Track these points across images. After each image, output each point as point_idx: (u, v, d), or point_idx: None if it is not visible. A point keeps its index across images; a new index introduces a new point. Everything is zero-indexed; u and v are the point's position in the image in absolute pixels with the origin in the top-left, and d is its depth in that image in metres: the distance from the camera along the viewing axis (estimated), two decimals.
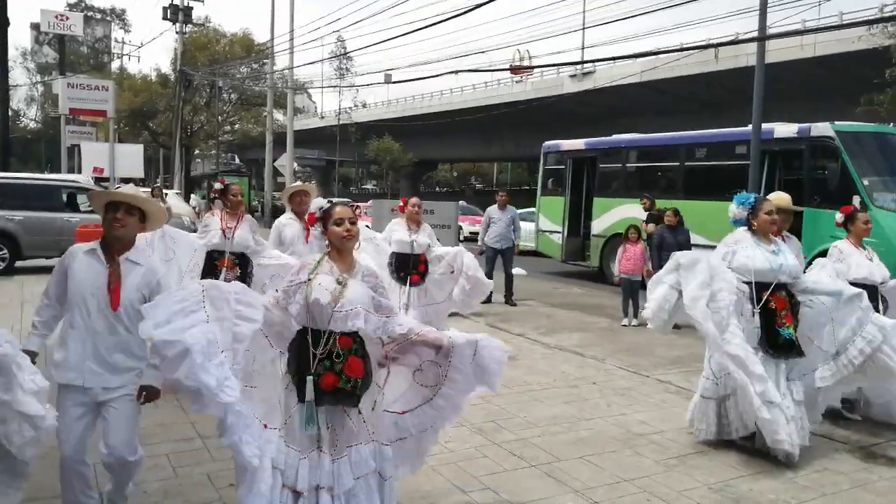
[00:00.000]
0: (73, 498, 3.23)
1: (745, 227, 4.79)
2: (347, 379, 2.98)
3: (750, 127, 11.42)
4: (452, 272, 7.26)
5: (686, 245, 9.49)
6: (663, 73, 27.91)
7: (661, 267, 9.18)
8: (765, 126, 11.40)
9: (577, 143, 15.63)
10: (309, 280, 3.05)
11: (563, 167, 15.62)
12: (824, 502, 3.94)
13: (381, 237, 7.35)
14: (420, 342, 3.21)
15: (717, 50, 24.77)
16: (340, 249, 3.18)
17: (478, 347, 3.24)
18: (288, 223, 6.43)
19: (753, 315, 4.57)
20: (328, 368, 2.97)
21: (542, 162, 16.40)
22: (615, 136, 15.11)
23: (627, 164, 14.55)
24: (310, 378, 2.95)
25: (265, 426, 2.98)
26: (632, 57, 23.91)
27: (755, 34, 12.35)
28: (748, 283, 4.61)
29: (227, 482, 3.85)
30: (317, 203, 3.29)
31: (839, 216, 5.73)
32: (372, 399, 3.18)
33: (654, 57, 26.36)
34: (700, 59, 26.85)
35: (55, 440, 3.11)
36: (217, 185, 6.24)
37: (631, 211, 12.96)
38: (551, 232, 15.64)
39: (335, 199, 3.65)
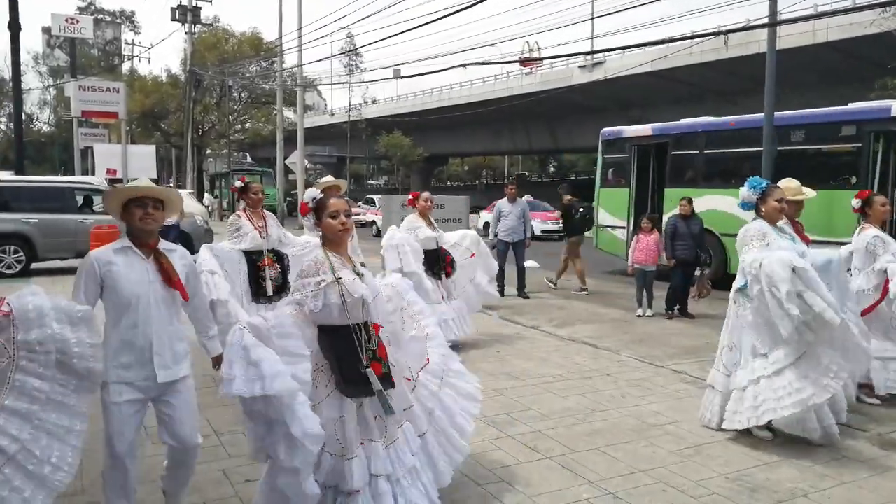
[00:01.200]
0: (117, 499, 3.16)
1: (754, 214, 4.77)
2: (384, 362, 3.08)
3: (859, 104, 10.71)
4: (473, 255, 7.52)
5: (699, 235, 9.44)
6: (674, 61, 27.73)
7: (674, 257, 9.23)
8: (881, 103, 10.52)
9: (644, 129, 14.17)
10: (339, 279, 3.03)
11: (625, 156, 14.05)
12: (844, 490, 3.90)
13: (400, 237, 7.10)
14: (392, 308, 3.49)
15: (728, 37, 24.53)
16: (337, 242, 3.19)
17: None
18: None
19: None
20: (373, 358, 3.02)
21: (600, 151, 15.04)
22: (689, 120, 13.57)
23: (706, 151, 12.86)
24: (370, 371, 2.98)
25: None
26: (642, 46, 23.74)
27: (766, 20, 12.22)
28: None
29: (242, 478, 3.87)
30: (310, 193, 3.28)
31: (855, 201, 5.67)
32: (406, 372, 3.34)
33: (664, 46, 26.20)
34: (711, 46, 26.63)
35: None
36: (237, 184, 6.26)
37: (715, 202, 11.78)
38: (613, 227, 14.07)
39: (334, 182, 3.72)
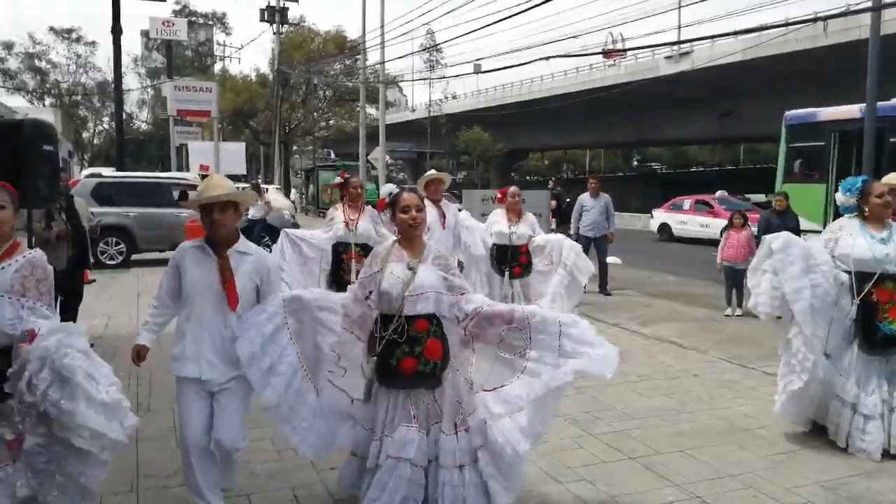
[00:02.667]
0: (197, 483, 3.27)
1: (856, 215, 4.48)
2: (427, 361, 3.13)
3: None
4: (551, 263, 7.07)
5: (795, 232, 8.96)
6: (767, 49, 26.45)
7: None
8: None
9: (846, 111, 11.77)
10: (381, 269, 3.20)
11: (820, 144, 11.93)
12: None
13: (474, 224, 7.20)
14: (493, 314, 3.25)
15: (826, 23, 23.23)
16: (408, 236, 3.31)
17: (562, 325, 3.12)
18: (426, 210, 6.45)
19: (852, 306, 4.30)
20: (407, 353, 3.11)
21: (783, 138, 12.97)
22: None
23: None
24: (373, 359, 3.18)
25: (352, 400, 3.34)
26: (733, 34, 22.76)
27: (869, 4, 11.50)
28: (849, 273, 4.33)
29: (327, 465, 3.96)
30: (387, 189, 3.45)
31: None
32: (467, 380, 3.27)
33: (757, 34, 25.08)
34: (807, 33, 25.25)
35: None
36: (337, 179, 6.45)
37: None
38: (804, 231, 11.69)
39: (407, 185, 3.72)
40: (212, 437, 3.26)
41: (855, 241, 4.35)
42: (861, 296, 4.28)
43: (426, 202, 6.42)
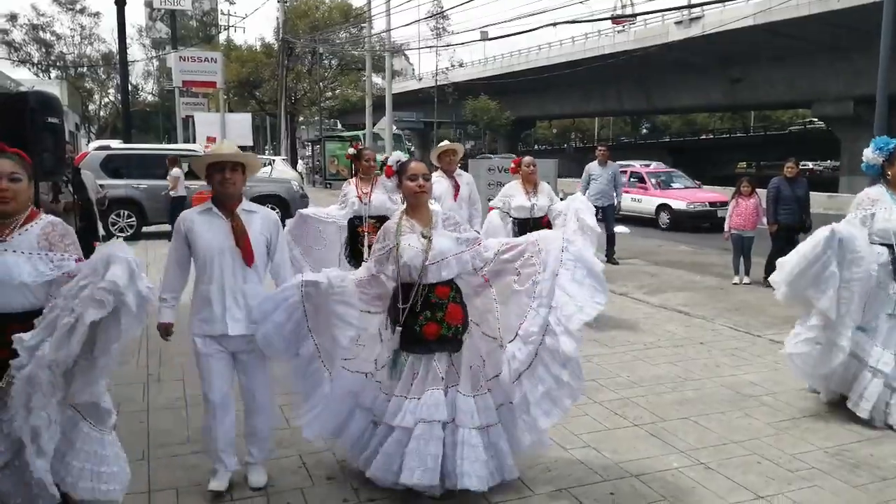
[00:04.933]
0: (216, 448, 3.38)
1: (880, 178, 4.42)
2: (449, 326, 3.26)
3: None
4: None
5: (805, 199, 8.92)
6: (778, 14, 26.01)
7: (776, 221, 8.76)
8: None
9: None
10: (397, 244, 3.28)
11: None
12: None
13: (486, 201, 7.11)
14: (507, 250, 3.39)
15: None
16: (414, 204, 3.39)
17: (566, 242, 3.30)
18: (437, 181, 6.27)
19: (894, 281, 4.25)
20: (430, 318, 3.23)
21: None
22: None
23: None
24: (398, 329, 3.27)
25: (366, 375, 3.44)
26: None
27: None
28: (889, 246, 4.29)
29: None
30: (395, 156, 3.58)
31: None
32: (494, 337, 3.41)
33: None
34: None
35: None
36: (350, 151, 6.41)
37: None
38: None
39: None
40: (241, 394, 3.45)
41: (891, 214, 4.31)
42: None
43: (439, 173, 6.44)
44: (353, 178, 6.21)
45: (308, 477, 3.63)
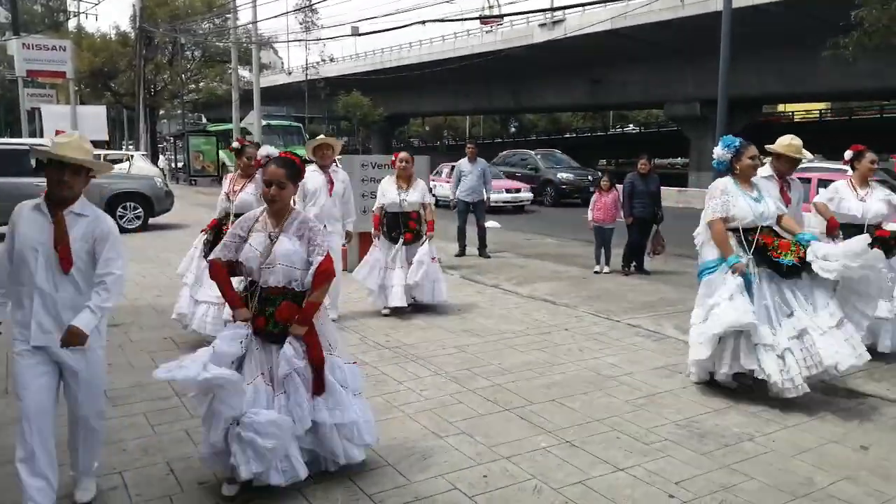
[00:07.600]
0: (36, 457, 2.98)
1: (728, 173, 4.84)
2: (276, 324, 3.34)
3: None
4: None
5: (657, 194, 9.59)
6: (633, 20, 27.70)
7: (632, 215, 9.38)
8: None
9: None
10: (246, 238, 3.37)
11: None
12: (787, 434, 4.11)
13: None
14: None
15: None
16: (268, 207, 3.44)
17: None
18: (311, 176, 6.23)
19: (749, 255, 4.65)
20: (260, 312, 3.34)
21: None
22: None
23: None
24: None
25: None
26: (601, 2, 23.61)
27: None
28: (735, 231, 4.69)
29: None
30: (264, 150, 3.57)
31: (848, 153, 5.89)
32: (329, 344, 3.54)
33: (623, 3, 26.17)
34: (669, 4, 26.68)
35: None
36: (234, 145, 6.14)
37: None
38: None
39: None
40: (74, 413, 3.19)
41: (738, 200, 4.69)
42: (752, 248, 4.65)
43: (314, 167, 6.35)
44: (231, 174, 6.01)
45: (177, 484, 3.49)
